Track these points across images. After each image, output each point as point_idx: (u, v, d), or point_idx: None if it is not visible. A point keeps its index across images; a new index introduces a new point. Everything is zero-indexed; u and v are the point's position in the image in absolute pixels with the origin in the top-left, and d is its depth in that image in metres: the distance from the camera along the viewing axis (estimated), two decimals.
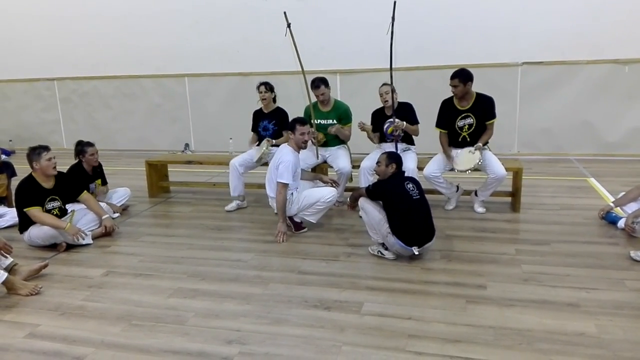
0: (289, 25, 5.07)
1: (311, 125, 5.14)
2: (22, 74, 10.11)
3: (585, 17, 7.37)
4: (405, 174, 4.23)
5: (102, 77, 9.71)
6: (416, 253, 3.79)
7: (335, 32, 8.15)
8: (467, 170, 4.78)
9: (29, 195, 4.35)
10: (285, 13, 5.06)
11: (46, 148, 4.43)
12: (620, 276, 3.49)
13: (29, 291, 3.51)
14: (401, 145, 5.10)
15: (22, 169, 5.50)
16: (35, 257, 4.24)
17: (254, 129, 5.68)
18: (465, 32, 7.71)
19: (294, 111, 5.59)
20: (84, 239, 4.41)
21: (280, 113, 5.56)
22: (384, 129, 5.11)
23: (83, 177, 5.18)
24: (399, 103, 5.13)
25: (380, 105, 5.22)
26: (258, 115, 5.65)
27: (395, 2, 4.69)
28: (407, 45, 7.34)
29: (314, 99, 5.34)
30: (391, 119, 5.00)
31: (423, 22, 7.78)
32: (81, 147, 5.26)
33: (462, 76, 4.77)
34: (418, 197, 3.88)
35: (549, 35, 7.54)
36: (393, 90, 4.99)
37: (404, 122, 4.96)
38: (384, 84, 5.09)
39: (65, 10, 9.52)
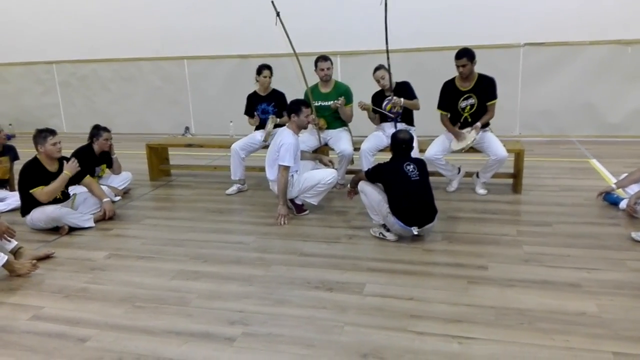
0: (278, 14, 5.03)
1: (311, 111, 5.12)
2: (20, 57, 10.03)
3: None
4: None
5: (101, 60, 9.64)
6: (415, 233, 3.80)
7: (335, 13, 8.06)
8: (462, 149, 4.79)
9: (34, 177, 4.34)
10: (273, 2, 5.01)
11: (52, 132, 4.42)
12: (621, 256, 3.50)
13: (28, 269, 3.53)
14: (400, 126, 5.08)
15: (22, 154, 5.49)
16: (37, 240, 4.25)
17: (249, 112, 5.65)
18: (466, 13, 7.62)
19: (292, 94, 5.55)
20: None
21: (278, 95, 5.54)
22: (383, 107, 5.11)
23: (90, 159, 5.18)
24: (397, 83, 5.11)
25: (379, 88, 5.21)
26: (254, 98, 5.61)
27: None
28: (407, 27, 7.28)
29: (311, 83, 5.31)
30: (389, 97, 4.99)
31: (423, 3, 7.70)
32: (96, 130, 5.28)
33: (469, 55, 4.74)
34: (417, 178, 3.88)
35: (551, 16, 7.46)
36: (388, 70, 4.98)
37: (402, 99, 4.95)
38: (378, 69, 5.09)
39: None
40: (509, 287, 3.14)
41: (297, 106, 4.59)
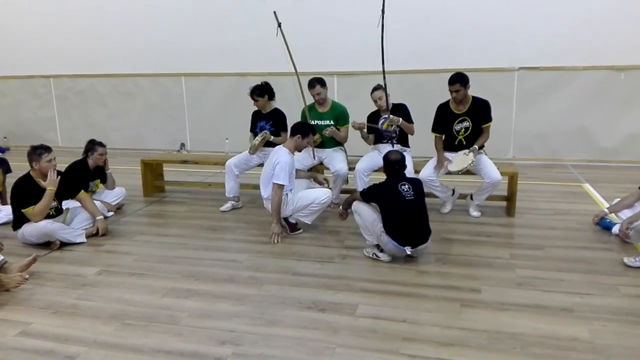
0: (279, 25, 5.09)
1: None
2: (17, 70, 10.05)
3: (582, 23, 7.40)
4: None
5: (99, 75, 9.67)
6: (408, 253, 3.79)
7: (332, 33, 8.15)
8: (459, 171, 4.80)
9: (26, 194, 4.31)
10: (275, 13, 5.08)
11: (48, 149, 4.40)
12: (614, 282, 3.51)
13: (17, 283, 3.48)
14: (396, 147, 5.10)
15: (17, 167, 5.48)
16: (28, 254, 4.15)
17: (252, 129, 5.68)
18: (462, 36, 7.72)
19: (291, 112, 5.60)
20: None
21: (277, 114, 5.56)
22: (379, 125, 5.11)
23: (84, 174, 5.16)
24: (394, 104, 5.14)
25: (376, 108, 5.24)
26: (256, 116, 5.65)
27: None
28: (404, 49, 7.37)
29: (309, 101, 5.35)
30: (386, 115, 5.00)
31: (420, 25, 7.80)
32: (92, 145, 5.28)
33: (462, 80, 4.78)
34: (412, 197, 3.89)
35: (545, 40, 7.56)
36: (385, 91, 5.01)
37: (400, 118, 4.97)
38: (376, 89, 5.11)
39: (63, 7, 9.48)
40: (501, 310, 3.13)
41: (307, 130, 4.64)
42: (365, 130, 5.29)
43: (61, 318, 3.16)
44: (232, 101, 8.73)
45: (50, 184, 4.35)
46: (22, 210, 4.30)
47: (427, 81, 7.73)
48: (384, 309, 3.17)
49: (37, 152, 4.35)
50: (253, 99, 5.47)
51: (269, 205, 4.61)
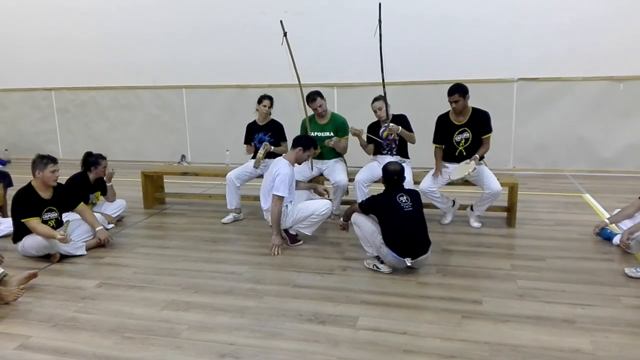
0: (285, 34, 5.12)
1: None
2: (19, 83, 10.11)
3: (581, 34, 7.44)
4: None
5: (100, 87, 9.72)
6: (409, 264, 3.78)
7: (332, 45, 8.20)
8: (461, 178, 4.80)
9: (27, 205, 4.32)
10: (281, 22, 5.11)
11: (53, 160, 4.41)
12: (616, 292, 3.49)
13: (15, 296, 3.48)
14: (395, 158, 5.11)
15: (18, 179, 5.48)
16: (28, 267, 4.18)
17: (248, 141, 5.70)
18: (461, 47, 7.77)
19: (290, 124, 5.62)
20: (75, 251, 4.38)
21: (275, 125, 5.59)
22: (380, 133, 5.10)
23: (85, 186, 5.17)
24: (394, 115, 5.16)
25: (376, 119, 5.25)
26: (253, 128, 5.67)
27: (380, 4, 4.72)
28: (403, 60, 7.40)
29: (310, 112, 5.38)
30: (387, 124, 5.01)
31: (419, 37, 7.85)
32: (94, 159, 5.27)
33: (461, 91, 4.80)
34: (410, 209, 3.89)
35: (544, 51, 7.61)
36: (385, 102, 5.03)
37: (399, 127, 4.97)
38: (376, 99, 5.12)
39: (64, 21, 9.55)
40: (503, 322, 3.11)
41: (309, 143, 4.65)
42: (364, 137, 5.29)
43: (60, 331, 3.14)
44: (232, 113, 8.76)
45: (61, 235, 4.20)
46: (22, 220, 4.29)
47: (427, 92, 7.76)
48: (384, 321, 3.16)
49: (44, 161, 4.36)
50: (268, 103, 5.48)
51: (269, 217, 4.61)
